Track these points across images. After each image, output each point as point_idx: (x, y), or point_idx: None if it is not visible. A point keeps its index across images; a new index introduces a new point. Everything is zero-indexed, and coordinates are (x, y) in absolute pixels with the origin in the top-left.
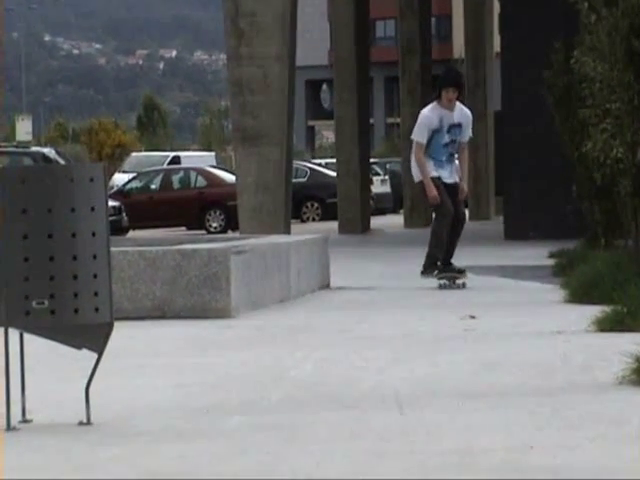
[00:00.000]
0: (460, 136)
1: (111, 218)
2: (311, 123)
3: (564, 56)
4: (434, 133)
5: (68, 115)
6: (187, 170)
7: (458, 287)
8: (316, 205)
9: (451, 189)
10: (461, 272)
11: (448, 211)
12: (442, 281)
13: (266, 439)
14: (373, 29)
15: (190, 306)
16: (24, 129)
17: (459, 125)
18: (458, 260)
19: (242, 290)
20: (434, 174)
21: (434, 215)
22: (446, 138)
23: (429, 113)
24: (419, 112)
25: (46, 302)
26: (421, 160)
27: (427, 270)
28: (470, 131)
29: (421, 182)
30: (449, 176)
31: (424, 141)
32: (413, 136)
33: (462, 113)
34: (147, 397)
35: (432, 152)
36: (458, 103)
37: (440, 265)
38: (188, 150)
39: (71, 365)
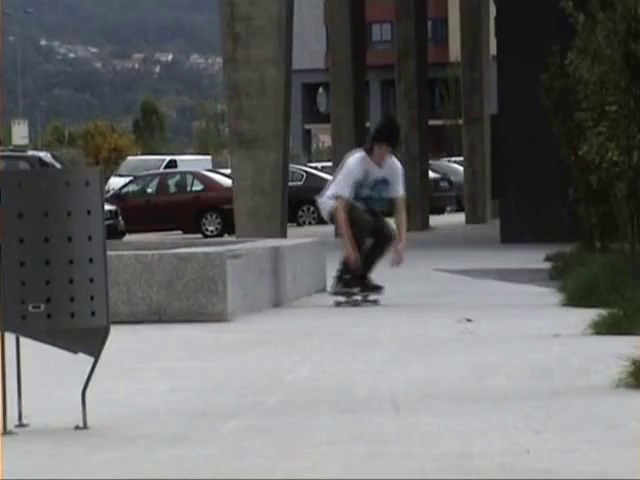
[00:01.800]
0: (384, 193)
1: (107, 222)
2: (307, 126)
3: (561, 59)
4: (356, 185)
5: (64, 119)
6: (183, 174)
7: (357, 304)
8: (312, 209)
9: (369, 211)
10: (376, 289)
11: (366, 222)
12: (337, 297)
13: (263, 442)
14: (369, 33)
15: (186, 310)
16: (20, 133)
17: (384, 181)
18: (456, 264)
19: (238, 294)
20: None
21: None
22: (367, 192)
23: (357, 164)
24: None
25: (42, 306)
26: (343, 219)
27: (337, 282)
28: (401, 187)
29: (333, 213)
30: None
31: (347, 195)
32: (336, 188)
33: (391, 168)
34: (144, 401)
35: (350, 199)
36: (389, 157)
37: (350, 279)
38: (184, 154)
39: (67, 369)
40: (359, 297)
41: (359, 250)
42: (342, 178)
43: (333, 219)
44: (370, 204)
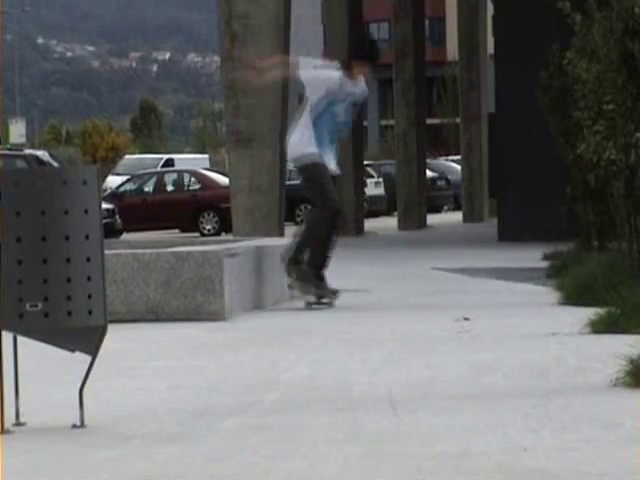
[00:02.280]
0: (350, 117)
1: (105, 221)
2: None
3: (560, 58)
4: (327, 105)
5: (62, 117)
6: (181, 172)
7: (310, 307)
8: (310, 207)
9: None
10: (334, 293)
11: (334, 205)
12: (295, 283)
13: (260, 441)
14: (367, 31)
15: (184, 309)
16: (17, 132)
17: (355, 104)
18: (453, 262)
19: (236, 292)
20: (317, 156)
21: (313, 212)
22: (340, 117)
23: (336, 75)
24: (414, 115)
25: (40, 305)
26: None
27: (291, 268)
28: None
29: (302, 167)
30: (333, 167)
31: (317, 96)
32: (302, 69)
33: (363, 92)
34: (141, 400)
35: (318, 134)
36: (362, 78)
37: (308, 271)
38: (182, 152)
39: (64, 368)
40: (312, 299)
41: (320, 244)
42: (321, 72)
43: (302, 170)
44: (337, 139)
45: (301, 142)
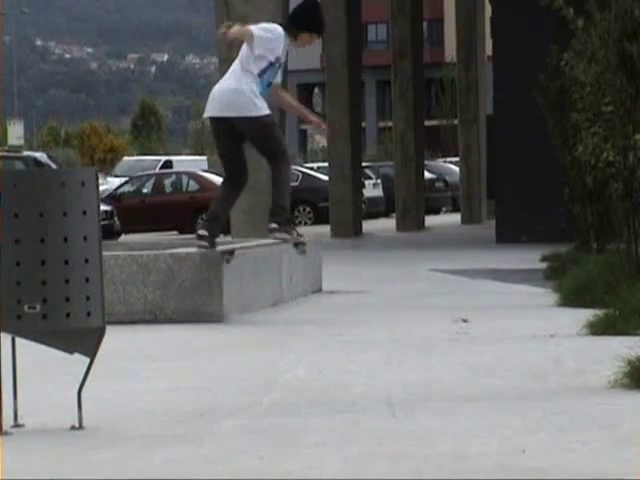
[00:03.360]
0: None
1: (103, 222)
2: (303, 127)
3: (558, 59)
4: (269, 64)
5: (60, 119)
6: (179, 174)
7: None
8: (308, 209)
9: None
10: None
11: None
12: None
13: (258, 443)
14: (365, 33)
15: (182, 310)
16: (16, 133)
17: (280, 66)
18: (452, 264)
19: (234, 294)
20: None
21: (277, 162)
22: (277, 77)
23: (283, 42)
24: (415, 115)
25: (38, 306)
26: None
27: (284, 224)
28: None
29: (261, 121)
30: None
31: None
32: (255, 30)
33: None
34: (139, 401)
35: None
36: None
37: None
38: (180, 154)
39: (63, 369)
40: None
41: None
42: (269, 33)
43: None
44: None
45: (252, 93)
